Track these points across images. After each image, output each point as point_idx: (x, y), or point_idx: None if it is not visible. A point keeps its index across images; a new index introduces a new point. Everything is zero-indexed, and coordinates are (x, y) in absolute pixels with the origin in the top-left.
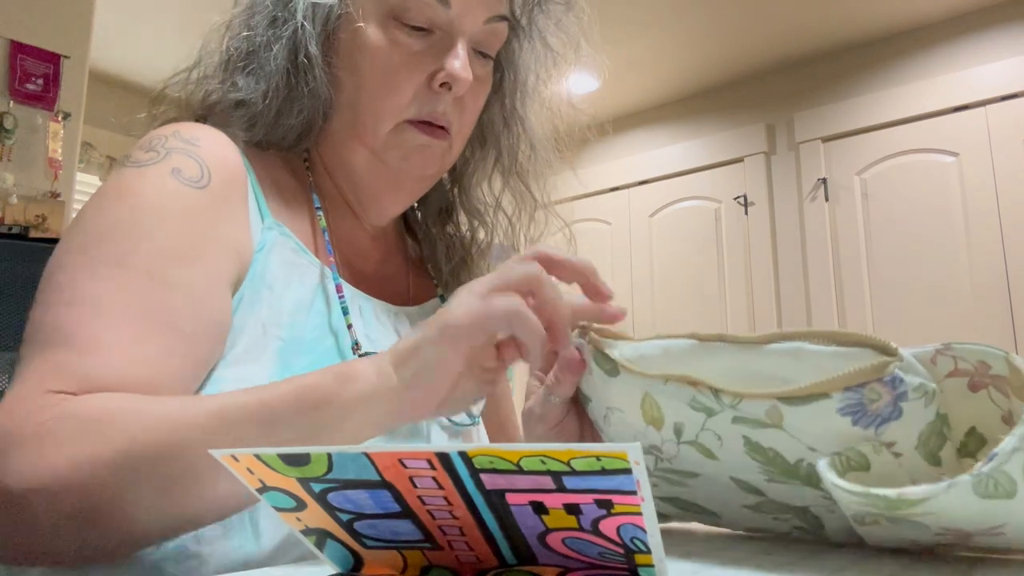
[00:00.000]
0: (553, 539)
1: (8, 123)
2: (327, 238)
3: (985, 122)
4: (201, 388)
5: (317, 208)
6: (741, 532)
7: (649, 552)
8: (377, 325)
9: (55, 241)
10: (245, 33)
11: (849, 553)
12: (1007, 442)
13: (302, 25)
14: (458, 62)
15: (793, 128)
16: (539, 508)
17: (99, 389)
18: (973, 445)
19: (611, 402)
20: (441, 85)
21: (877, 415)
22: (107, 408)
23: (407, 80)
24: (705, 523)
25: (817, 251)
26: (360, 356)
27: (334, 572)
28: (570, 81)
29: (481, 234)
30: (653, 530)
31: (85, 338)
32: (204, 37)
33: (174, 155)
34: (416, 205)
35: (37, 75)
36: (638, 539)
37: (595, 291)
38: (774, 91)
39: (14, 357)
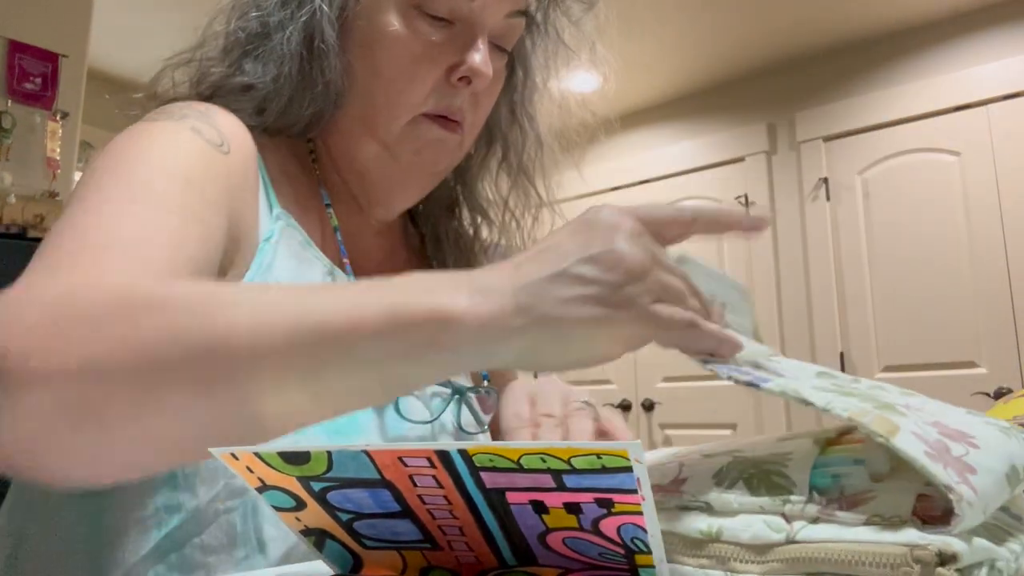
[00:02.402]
0: (553, 539)
1: (6, 123)
2: (339, 238)
3: (987, 121)
4: None
5: (327, 205)
6: None
7: (649, 552)
8: None
9: None
10: (254, 14)
11: None
12: None
13: (320, 8)
14: (479, 56)
15: (794, 127)
16: (539, 507)
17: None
18: None
19: None
20: (460, 79)
21: None
22: (153, 291)
23: (427, 72)
24: None
25: (818, 251)
26: None
27: (334, 573)
28: (571, 80)
29: (485, 231)
30: (653, 530)
31: (98, 233)
32: (209, 16)
33: (190, 120)
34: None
35: (35, 74)
36: (638, 539)
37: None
38: (775, 90)
39: None
